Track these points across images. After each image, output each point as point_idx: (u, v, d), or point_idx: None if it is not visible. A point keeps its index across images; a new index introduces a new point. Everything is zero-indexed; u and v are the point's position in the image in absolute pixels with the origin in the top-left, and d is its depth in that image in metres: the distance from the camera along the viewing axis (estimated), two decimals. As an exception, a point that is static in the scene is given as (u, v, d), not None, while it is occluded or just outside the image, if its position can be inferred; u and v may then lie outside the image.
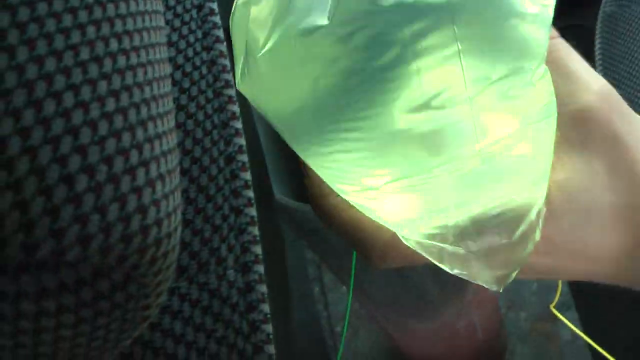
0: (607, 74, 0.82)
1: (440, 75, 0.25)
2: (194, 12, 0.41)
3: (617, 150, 0.31)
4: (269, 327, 0.33)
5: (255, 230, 0.35)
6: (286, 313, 0.44)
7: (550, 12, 0.29)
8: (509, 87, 0.26)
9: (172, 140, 0.24)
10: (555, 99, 0.30)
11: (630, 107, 0.33)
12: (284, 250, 0.47)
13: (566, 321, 0.81)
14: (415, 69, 0.25)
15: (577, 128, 0.31)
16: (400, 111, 0.25)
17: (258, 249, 0.34)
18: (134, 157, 0.21)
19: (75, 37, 0.21)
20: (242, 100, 0.42)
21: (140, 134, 0.21)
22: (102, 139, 0.20)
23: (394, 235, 0.31)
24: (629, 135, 0.31)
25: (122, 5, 0.23)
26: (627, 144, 0.31)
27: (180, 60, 0.39)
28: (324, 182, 0.32)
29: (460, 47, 0.25)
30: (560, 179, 0.31)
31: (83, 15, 0.22)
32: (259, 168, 0.43)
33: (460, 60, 0.25)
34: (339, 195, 0.31)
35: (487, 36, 0.26)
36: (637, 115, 0.32)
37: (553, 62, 0.32)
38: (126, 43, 0.23)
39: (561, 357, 1.13)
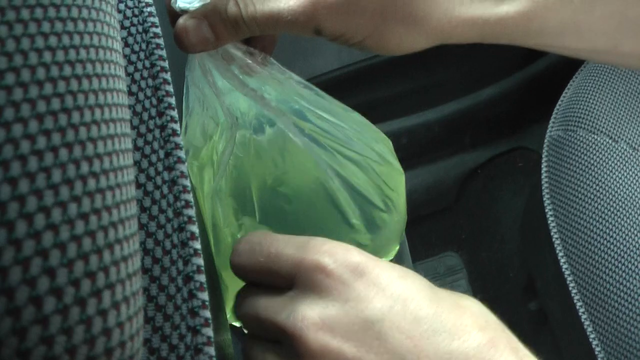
0: (553, 196, 0.84)
1: None
2: (156, 132, 0.42)
3: None
4: None
5: (211, 351, 0.35)
6: None
7: None
8: None
9: (137, 262, 0.24)
10: None
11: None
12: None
13: None
14: None
15: None
16: None
17: None
18: (101, 279, 0.21)
19: (48, 160, 0.22)
20: (199, 220, 0.42)
21: (107, 256, 0.22)
22: (71, 261, 0.20)
23: None
24: None
25: (94, 129, 0.24)
26: None
27: (142, 179, 0.40)
28: None
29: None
30: None
31: (56, 138, 0.22)
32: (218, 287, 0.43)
33: None
34: None
35: None
36: None
37: None
38: (96, 166, 0.24)
39: None
